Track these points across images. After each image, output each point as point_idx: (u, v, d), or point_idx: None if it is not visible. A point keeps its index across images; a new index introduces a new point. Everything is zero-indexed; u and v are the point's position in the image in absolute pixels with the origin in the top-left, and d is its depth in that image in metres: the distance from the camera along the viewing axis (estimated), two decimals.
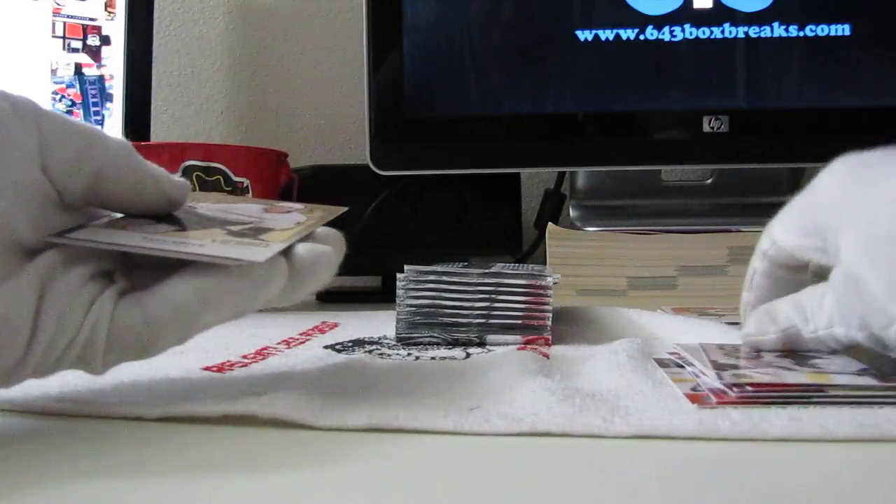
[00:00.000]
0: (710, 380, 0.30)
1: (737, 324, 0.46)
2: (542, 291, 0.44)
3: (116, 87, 0.82)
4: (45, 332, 0.25)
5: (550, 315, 0.44)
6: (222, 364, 0.37)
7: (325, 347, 0.43)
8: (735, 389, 0.28)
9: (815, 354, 0.33)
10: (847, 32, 0.68)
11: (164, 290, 0.27)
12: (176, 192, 0.31)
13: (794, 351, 0.34)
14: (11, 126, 0.27)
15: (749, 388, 0.28)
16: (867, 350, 0.34)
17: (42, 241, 0.27)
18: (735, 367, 0.31)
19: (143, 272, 0.29)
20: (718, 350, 0.35)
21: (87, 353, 0.27)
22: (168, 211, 0.31)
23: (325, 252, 0.31)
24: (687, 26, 0.69)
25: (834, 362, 0.32)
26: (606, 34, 0.70)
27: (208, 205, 0.35)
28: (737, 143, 0.69)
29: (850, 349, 0.33)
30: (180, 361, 0.36)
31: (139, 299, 0.27)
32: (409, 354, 0.41)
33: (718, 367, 0.31)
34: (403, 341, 0.44)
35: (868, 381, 0.29)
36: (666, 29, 0.69)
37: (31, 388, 0.28)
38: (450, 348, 0.43)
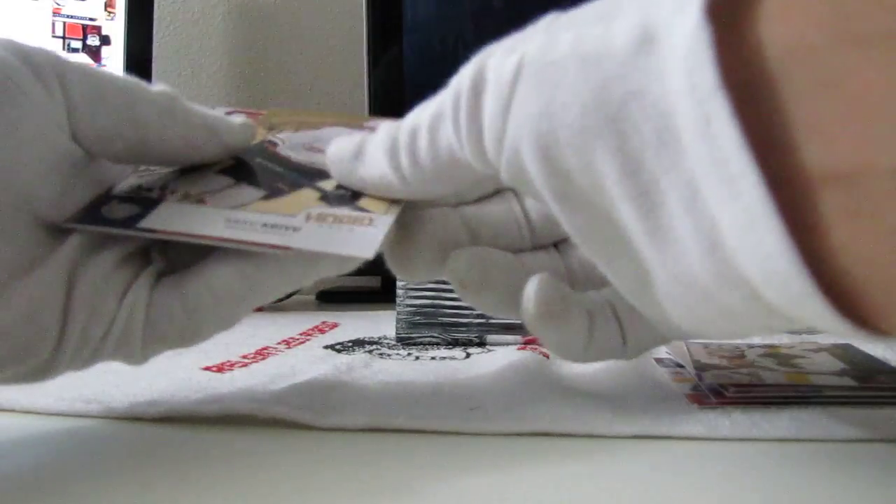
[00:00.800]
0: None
1: None
2: None
3: None
4: (78, 324, 0.24)
5: None
6: (222, 364, 0.37)
7: (325, 347, 0.43)
8: (714, 396, 0.28)
9: (799, 354, 0.33)
10: None
11: (207, 274, 0.25)
12: (237, 140, 0.28)
13: (777, 349, 0.34)
14: (32, 91, 0.23)
15: (732, 389, 0.28)
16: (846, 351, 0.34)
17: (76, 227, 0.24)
18: (717, 367, 0.31)
19: (182, 247, 0.26)
20: (702, 349, 0.35)
21: (124, 344, 0.25)
22: (227, 157, 0.28)
23: None
24: None
25: (815, 362, 0.32)
26: None
27: (289, 136, 0.30)
28: None
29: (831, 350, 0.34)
30: (180, 361, 0.36)
31: (178, 284, 0.25)
32: (409, 354, 0.41)
33: (700, 368, 0.31)
34: (403, 341, 0.44)
35: (846, 381, 0.29)
36: None
37: (32, 387, 0.28)
38: (450, 348, 0.43)
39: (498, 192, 0.29)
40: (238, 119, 0.28)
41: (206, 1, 1.03)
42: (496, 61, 0.21)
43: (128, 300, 0.24)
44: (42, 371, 0.24)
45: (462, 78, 0.22)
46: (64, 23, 0.79)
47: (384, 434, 0.25)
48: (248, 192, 0.27)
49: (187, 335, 0.25)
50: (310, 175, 0.28)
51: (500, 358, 0.38)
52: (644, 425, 0.25)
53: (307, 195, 0.26)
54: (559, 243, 0.28)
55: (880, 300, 0.16)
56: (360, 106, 0.73)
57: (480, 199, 0.29)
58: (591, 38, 0.19)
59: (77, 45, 0.80)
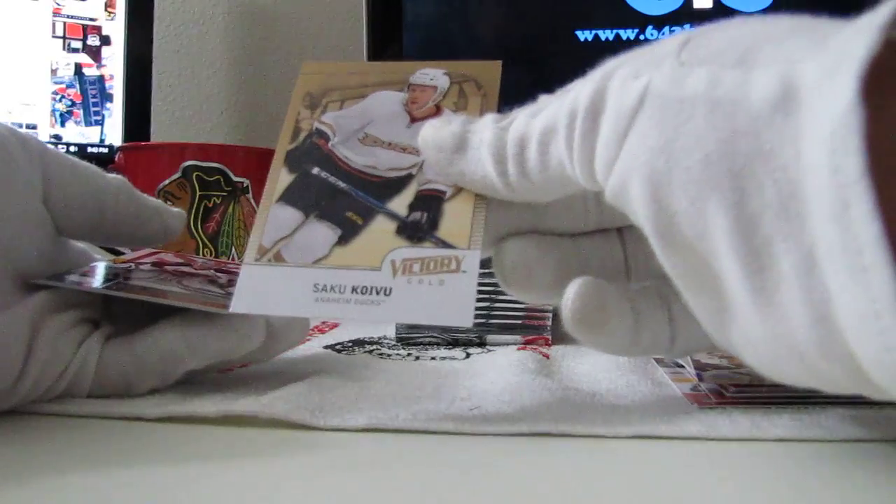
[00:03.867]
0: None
1: None
2: None
3: (116, 87, 0.82)
4: (38, 361, 0.27)
5: (550, 315, 0.44)
6: None
7: (325, 347, 0.43)
8: (714, 396, 0.28)
9: None
10: None
11: (154, 334, 0.29)
12: (174, 222, 0.33)
13: None
14: (20, 159, 0.28)
15: (732, 389, 0.28)
16: None
17: (42, 280, 0.28)
18: (717, 367, 0.31)
19: (127, 319, 0.30)
20: None
21: (75, 386, 0.28)
22: (164, 241, 0.32)
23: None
24: (687, 26, 0.69)
25: None
26: (606, 34, 0.70)
27: (337, 119, 0.28)
28: None
29: None
30: None
31: (128, 341, 0.29)
32: (409, 354, 0.41)
33: (700, 368, 0.31)
34: (403, 341, 0.44)
35: None
36: (666, 29, 0.69)
37: None
38: (450, 348, 0.43)
39: None
40: (175, 209, 0.33)
41: (206, 1, 1.03)
42: (618, 84, 0.21)
43: (83, 348, 0.28)
44: (4, 398, 0.27)
45: (580, 95, 0.22)
46: (64, 23, 0.79)
47: (384, 434, 0.25)
48: (322, 234, 0.26)
49: (130, 387, 0.29)
50: (377, 191, 0.26)
51: (500, 358, 0.38)
52: (644, 425, 0.25)
53: (383, 229, 0.26)
54: (624, 228, 0.27)
55: None
56: None
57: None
58: (726, 84, 0.18)
59: (77, 45, 0.80)
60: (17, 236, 0.27)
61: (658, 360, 0.36)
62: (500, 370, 0.34)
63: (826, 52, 0.17)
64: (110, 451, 0.24)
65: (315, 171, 0.27)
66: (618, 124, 0.20)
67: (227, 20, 1.03)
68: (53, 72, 0.79)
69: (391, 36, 0.73)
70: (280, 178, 0.28)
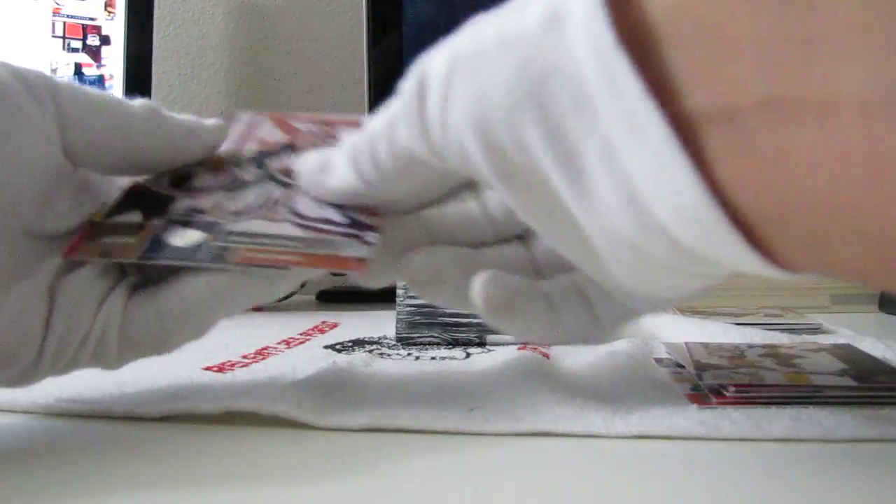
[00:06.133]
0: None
1: (739, 324, 0.47)
2: None
3: (116, 87, 0.82)
4: (57, 333, 0.25)
5: None
6: (223, 364, 0.37)
7: (325, 347, 0.43)
8: (714, 396, 0.28)
9: (799, 354, 0.33)
10: None
11: (178, 285, 0.27)
12: (214, 139, 0.31)
13: (777, 349, 0.34)
14: (25, 106, 0.25)
15: (732, 389, 0.28)
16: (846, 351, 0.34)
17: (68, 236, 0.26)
18: (717, 367, 0.31)
19: None
20: (702, 349, 0.35)
21: (100, 351, 0.27)
22: (205, 156, 0.30)
23: None
24: None
25: (815, 362, 0.32)
26: None
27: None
28: None
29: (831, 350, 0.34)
30: (181, 361, 0.36)
31: (151, 294, 0.27)
32: (409, 354, 0.41)
33: (700, 367, 0.31)
34: (403, 341, 0.44)
35: (846, 381, 0.29)
36: None
37: (32, 388, 0.28)
38: (450, 348, 0.43)
39: (463, 186, 0.29)
40: (210, 120, 0.31)
41: (206, 1, 1.03)
42: (434, 61, 0.23)
43: (104, 311, 0.26)
44: (23, 376, 0.26)
45: (408, 84, 0.24)
46: (64, 22, 0.79)
47: (384, 434, 0.25)
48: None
49: (159, 343, 0.27)
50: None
51: (500, 358, 0.38)
52: (644, 425, 0.25)
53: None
54: (524, 235, 0.29)
55: (771, 232, 0.17)
56: (360, 105, 0.73)
57: (442, 201, 0.29)
58: (509, 24, 0.21)
59: (77, 44, 0.80)
60: (26, 192, 0.25)
61: (658, 360, 0.36)
62: (500, 370, 0.34)
63: None
64: (110, 451, 0.24)
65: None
66: (439, 91, 0.22)
67: (227, 20, 1.03)
68: (53, 72, 0.79)
69: (391, 36, 0.73)
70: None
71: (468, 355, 0.40)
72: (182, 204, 0.28)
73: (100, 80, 0.82)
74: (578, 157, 0.19)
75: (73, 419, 0.27)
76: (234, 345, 0.42)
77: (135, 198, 0.29)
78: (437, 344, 0.44)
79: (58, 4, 0.79)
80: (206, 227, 0.27)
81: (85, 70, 0.81)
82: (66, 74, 0.79)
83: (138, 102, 0.28)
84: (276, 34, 1.03)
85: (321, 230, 0.27)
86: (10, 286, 0.25)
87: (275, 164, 0.30)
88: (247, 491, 0.20)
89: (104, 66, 0.82)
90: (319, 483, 0.21)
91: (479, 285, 0.25)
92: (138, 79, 0.84)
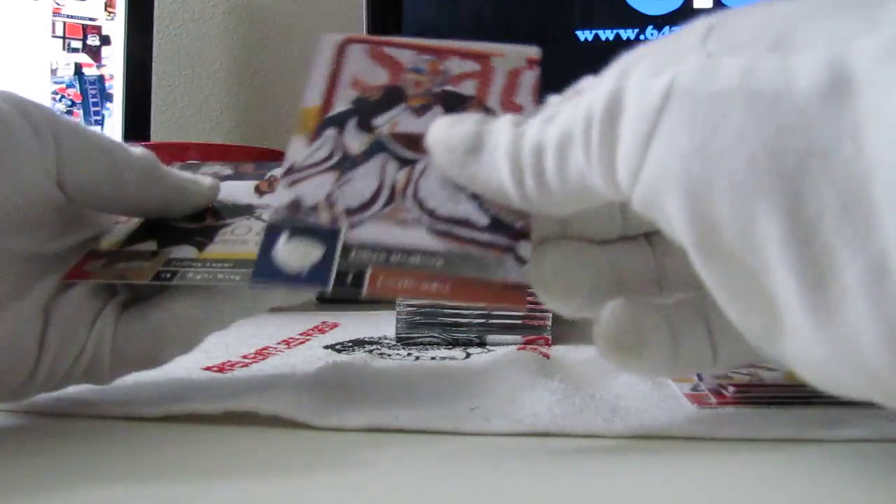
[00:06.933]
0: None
1: None
2: None
3: (116, 87, 0.82)
4: (52, 351, 0.26)
5: (551, 315, 0.44)
6: (223, 364, 0.37)
7: (325, 347, 0.43)
8: (714, 396, 0.28)
9: None
10: None
11: (170, 303, 0.27)
12: (205, 200, 0.30)
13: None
14: (25, 138, 0.25)
15: (732, 389, 0.28)
16: None
17: (58, 250, 0.27)
18: None
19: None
20: None
21: (93, 367, 0.27)
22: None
23: None
24: None
25: None
26: (606, 34, 0.70)
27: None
28: None
29: None
30: (181, 362, 0.36)
31: (142, 311, 0.28)
32: (409, 354, 0.41)
33: None
34: (403, 341, 0.44)
35: None
36: (666, 29, 0.69)
37: None
38: (450, 348, 0.43)
39: None
40: (206, 180, 0.30)
41: (206, 1, 1.03)
42: (637, 83, 0.19)
43: (97, 328, 0.27)
44: (17, 392, 0.26)
45: (595, 98, 0.20)
46: (64, 23, 0.79)
47: (384, 434, 0.25)
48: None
49: (150, 359, 0.28)
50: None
51: (500, 358, 0.38)
52: (644, 425, 0.25)
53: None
54: (651, 234, 0.26)
55: None
56: None
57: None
58: (765, 74, 0.16)
59: (77, 45, 0.80)
60: (23, 220, 0.25)
61: None
62: (500, 370, 0.34)
63: (880, 27, 0.16)
64: (110, 451, 0.24)
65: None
66: (640, 128, 0.18)
67: (227, 20, 1.03)
68: (53, 72, 0.79)
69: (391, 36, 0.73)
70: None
71: (468, 355, 0.40)
72: (284, 195, 0.23)
73: (100, 80, 0.82)
74: (830, 268, 0.16)
75: (72, 419, 0.27)
76: (234, 345, 0.42)
77: (150, 228, 0.29)
78: (437, 344, 0.44)
79: (58, 4, 0.79)
80: (322, 237, 0.22)
81: (85, 70, 0.81)
82: (66, 75, 0.79)
83: (139, 152, 0.28)
84: (276, 34, 1.03)
85: (462, 238, 0.22)
86: (6, 306, 0.25)
87: (384, 125, 0.24)
88: (246, 491, 0.20)
89: (104, 66, 0.82)
90: (319, 483, 0.21)
91: (606, 319, 0.23)
92: (138, 79, 0.84)
